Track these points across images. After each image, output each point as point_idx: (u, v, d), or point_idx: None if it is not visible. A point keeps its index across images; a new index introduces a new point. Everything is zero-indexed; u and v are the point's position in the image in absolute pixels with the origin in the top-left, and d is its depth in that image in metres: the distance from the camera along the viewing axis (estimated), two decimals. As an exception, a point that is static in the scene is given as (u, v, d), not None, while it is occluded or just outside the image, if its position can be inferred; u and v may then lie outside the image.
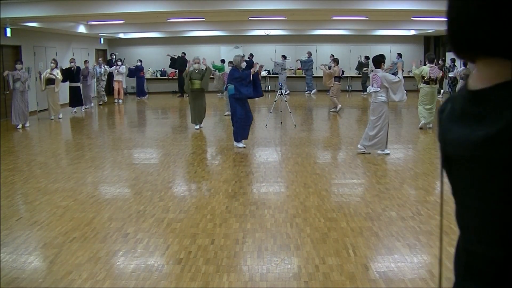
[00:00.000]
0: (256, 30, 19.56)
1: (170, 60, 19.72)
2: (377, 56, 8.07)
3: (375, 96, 7.92)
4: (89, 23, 16.10)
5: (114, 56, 20.27)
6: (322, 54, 20.28)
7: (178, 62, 19.46)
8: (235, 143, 8.91)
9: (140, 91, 19.31)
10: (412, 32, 19.84)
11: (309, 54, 20.02)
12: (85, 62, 16.32)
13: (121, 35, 20.50)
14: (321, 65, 17.23)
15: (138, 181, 6.67)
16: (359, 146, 8.26)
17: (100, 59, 18.49)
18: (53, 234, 4.66)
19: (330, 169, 7.38)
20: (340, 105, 14.15)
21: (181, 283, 3.62)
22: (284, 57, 19.69)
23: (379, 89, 7.84)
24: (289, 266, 3.89)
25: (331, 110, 14.24)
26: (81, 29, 16.30)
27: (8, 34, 13.40)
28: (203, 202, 5.65)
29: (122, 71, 18.22)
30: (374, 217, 5.02)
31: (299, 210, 5.26)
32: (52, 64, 13.43)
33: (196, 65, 10.78)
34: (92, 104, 16.42)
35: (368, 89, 8.05)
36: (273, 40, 21.13)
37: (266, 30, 19.35)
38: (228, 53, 20.67)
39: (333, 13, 14.18)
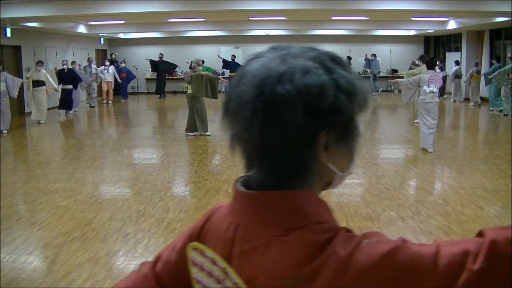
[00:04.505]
0: (256, 30, 19.57)
1: (150, 63, 19.51)
2: (430, 58, 8.65)
3: (432, 97, 7.97)
4: (89, 23, 16.08)
5: (114, 56, 20.24)
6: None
7: (161, 65, 19.46)
8: None
9: (121, 93, 18.73)
10: (412, 32, 19.83)
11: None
12: (73, 63, 14.92)
13: (121, 35, 20.49)
14: None
15: (138, 181, 6.67)
16: (430, 149, 8.15)
17: (89, 57, 17.22)
18: (53, 234, 4.65)
19: (330, 169, 7.36)
20: None
21: (181, 283, 3.61)
22: (234, 56, 19.75)
23: (437, 89, 7.99)
24: (289, 266, 3.88)
25: None
26: (81, 29, 16.28)
27: (8, 34, 13.38)
28: (203, 202, 5.65)
29: (110, 72, 17.39)
30: (374, 217, 5.02)
31: (299, 210, 5.25)
32: (38, 66, 12.68)
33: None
34: (77, 109, 15.13)
35: (425, 89, 7.93)
36: (273, 40, 21.07)
37: (266, 30, 19.34)
38: (228, 53, 20.66)
39: (333, 13, 14.17)
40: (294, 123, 0.72)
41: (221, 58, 19.83)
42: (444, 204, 5.41)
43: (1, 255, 4.16)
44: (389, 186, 6.19)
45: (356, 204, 5.46)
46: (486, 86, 14.71)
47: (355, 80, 0.77)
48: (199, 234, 0.90)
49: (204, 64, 17.31)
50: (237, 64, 19.95)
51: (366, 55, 19.94)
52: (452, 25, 15.92)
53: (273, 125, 0.73)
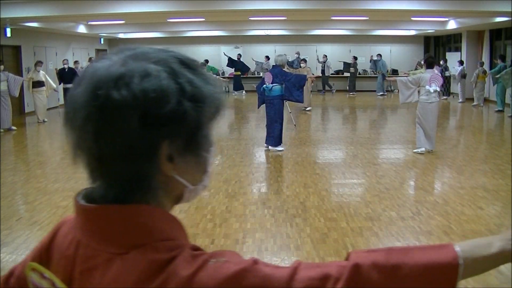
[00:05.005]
0: (256, 30, 19.55)
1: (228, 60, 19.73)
2: (430, 57, 8.54)
3: (435, 96, 7.93)
4: (89, 23, 16.08)
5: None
6: (322, 54, 20.27)
7: None
8: (274, 148, 8.42)
9: None
10: (412, 32, 19.83)
11: (267, 58, 19.68)
12: (75, 62, 15.19)
13: (121, 35, 20.50)
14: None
15: (138, 181, 6.66)
16: (430, 149, 8.11)
17: (91, 57, 17.24)
18: (53, 234, 4.65)
19: (330, 169, 7.38)
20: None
21: (181, 283, 3.61)
22: (267, 58, 19.39)
23: (439, 89, 7.97)
24: (289, 266, 3.89)
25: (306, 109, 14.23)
26: (81, 29, 16.29)
27: (8, 34, 13.37)
28: (203, 202, 5.64)
29: None
30: (374, 217, 5.02)
31: (299, 210, 5.26)
32: (38, 67, 12.78)
33: None
34: None
35: (428, 88, 7.79)
36: (273, 40, 21.13)
37: (266, 30, 19.33)
38: (228, 53, 20.68)
39: (333, 13, 14.17)
40: (130, 131, 0.66)
41: (227, 56, 19.91)
42: (444, 204, 5.41)
43: (1, 255, 4.16)
44: (389, 186, 6.19)
45: (356, 204, 5.46)
46: (493, 85, 14.53)
47: (205, 86, 0.71)
48: (47, 250, 0.82)
49: (208, 64, 17.41)
50: (243, 64, 19.94)
51: (372, 56, 19.89)
52: (452, 25, 15.92)
53: (107, 133, 0.67)
